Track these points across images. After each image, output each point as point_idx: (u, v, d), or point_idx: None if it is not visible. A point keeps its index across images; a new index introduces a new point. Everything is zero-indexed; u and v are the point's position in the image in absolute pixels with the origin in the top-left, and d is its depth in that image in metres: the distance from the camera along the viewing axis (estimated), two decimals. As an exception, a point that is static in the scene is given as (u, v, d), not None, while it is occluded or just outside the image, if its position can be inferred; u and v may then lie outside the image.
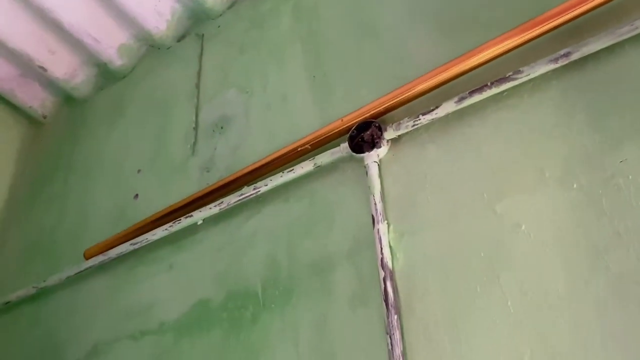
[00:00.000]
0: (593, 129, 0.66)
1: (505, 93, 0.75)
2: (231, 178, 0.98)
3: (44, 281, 1.19)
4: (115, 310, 1.05)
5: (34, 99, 1.56)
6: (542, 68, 0.71)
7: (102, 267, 1.12)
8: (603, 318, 0.56)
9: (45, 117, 1.61)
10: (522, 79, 0.73)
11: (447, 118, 0.78)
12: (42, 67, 1.45)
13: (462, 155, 0.75)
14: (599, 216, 0.61)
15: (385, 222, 0.76)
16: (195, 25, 1.38)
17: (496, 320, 0.63)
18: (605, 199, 0.62)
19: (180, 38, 1.39)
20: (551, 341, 0.58)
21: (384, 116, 0.85)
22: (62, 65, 1.47)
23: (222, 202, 0.96)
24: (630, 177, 0.61)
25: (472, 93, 0.76)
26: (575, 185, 0.64)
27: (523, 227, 0.66)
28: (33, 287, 1.21)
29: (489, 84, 0.75)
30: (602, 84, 0.68)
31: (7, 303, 1.25)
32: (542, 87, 0.72)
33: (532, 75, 0.72)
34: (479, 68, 0.78)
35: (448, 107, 0.77)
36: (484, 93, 0.75)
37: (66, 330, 1.12)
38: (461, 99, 0.77)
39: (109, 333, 1.03)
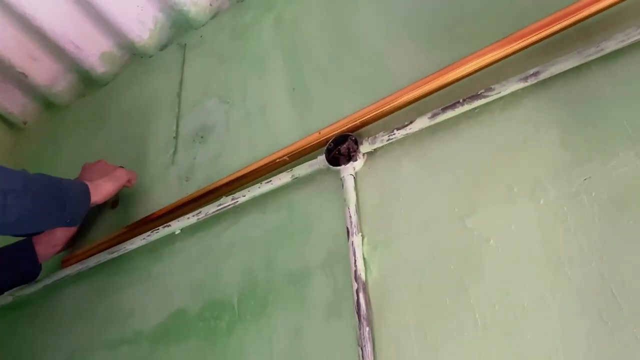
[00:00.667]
0: (561, 147, 0.68)
1: (477, 110, 0.77)
2: (209, 188, 0.98)
3: (21, 289, 1.18)
4: (93, 319, 1.05)
5: (15, 104, 1.55)
6: (512, 86, 0.74)
7: (80, 276, 1.11)
8: (565, 330, 0.58)
9: (25, 123, 1.60)
10: (493, 96, 0.75)
11: (421, 133, 0.80)
12: (23, 73, 1.44)
13: (434, 170, 0.77)
14: (564, 231, 0.63)
15: (360, 234, 0.78)
16: (178, 35, 1.38)
17: (465, 332, 0.64)
18: (570, 215, 0.64)
19: (163, 47, 1.40)
20: (517, 352, 0.60)
21: (361, 130, 0.87)
22: (44, 72, 1.46)
23: (200, 212, 0.97)
24: (593, 194, 0.63)
25: (445, 109, 0.78)
26: (542, 201, 0.66)
27: (491, 242, 0.67)
28: (9, 295, 1.20)
29: (461, 100, 0.77)
30: (570, 102, 0.70)
31: (-17, 311, 1.25)
32: (513, 104, 0.75)
33: (502, 93, 0.74)
34: (453, 85, 0.80)
35: (422, 123, 0.79)
36: (456, 109, 0.77)
37: (43, 339, 1.12)
38: (434, 115, 0.78)
39: (86, 342, 1.03)
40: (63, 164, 1.39)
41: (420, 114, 0.80)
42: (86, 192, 0.96)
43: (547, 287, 0.61)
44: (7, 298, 1.20)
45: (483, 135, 0.75)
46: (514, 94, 0.74)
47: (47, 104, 1.57)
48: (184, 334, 0.89)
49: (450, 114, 0.77)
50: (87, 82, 1.50)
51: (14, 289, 1.18)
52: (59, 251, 1.12)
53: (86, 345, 1.02)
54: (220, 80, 1.19)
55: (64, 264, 1.14)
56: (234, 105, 1.11)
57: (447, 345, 0.65)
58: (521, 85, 0.73)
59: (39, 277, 1.14)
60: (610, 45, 0.68)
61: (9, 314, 1.22)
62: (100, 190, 1.01)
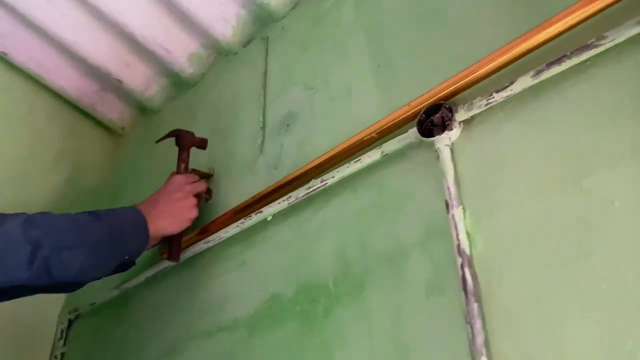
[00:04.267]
0: (693, 92, 0.59)
1: (587, 63, 0.69)
2: (299, 172, 0.97)
3: (125, 282, 1.23)
4: (192, 308, 1.07)
5: (113, 111, 1.64)
6: (629, 31, 0.65)
7: (178, 267, 1.14)
8: None
9: (123, 129, 1.69)
10: (606, 45, 0.67)
11: (524, 94, 0.73)
12: (118, 80, 1.52)
13: (541, 132, 0.70)
14: None
15: (461, 206, 0.72)
16: (260, 29, 1.39)
17: (589, 304, 0.57)
18: None
19: (246, 43, 1.41)
20: (656, 326, 0.52)
21: (454, 98, 0.81)
22: (137, 77, 1.53)
23: (290, 197, 0.96)
24: None
25: (549, 65, 0.71)
26: (675, 154, 0.58)
27: (616, 203, 0.60)
28: (115, 288, 1.26)
29: (568, 53, 0.69)
30: (701, 42, 0.61)
31: (92, 304, 1.32)
32: (629, 52, 0.66)
33: (617, 41, 0.66)
34: (556, 39, 0.73)
35: (524, 83, 0.73)
36: (563, 64, 0.70)
37: (146, 329, 1.16)
38: (538, 73, 0.71)
39: (186, 331, 1.05)
40: (156, 164, 1.44)
41: (521, 74, 0.73)
42: (144, 227, 0.99)
43: (690, 250, 0.53)
44: (113, 292, 1.27)
45: (596, 90, 0.67)
46: (630, 41, 0.66)
47: (142, 108, 1.65)
48: (279, 319, 0.88)
49: (556, 69, 0.70)
50: (177, 84, 1.55)
51: (119, 282, 1.24)
52: (155, 245, 1.14)
53: (186, 333, 1.04)
54: (303, 68, 1.17)
55: (163, 255, 1.18)
56: (317, 91, 1.09)
57: (567, 319, 0.58)
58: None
59: (140, 270, 1.19)
60: None
61: (115, 306, 1.28)
62: (157, 228, 1.02)
